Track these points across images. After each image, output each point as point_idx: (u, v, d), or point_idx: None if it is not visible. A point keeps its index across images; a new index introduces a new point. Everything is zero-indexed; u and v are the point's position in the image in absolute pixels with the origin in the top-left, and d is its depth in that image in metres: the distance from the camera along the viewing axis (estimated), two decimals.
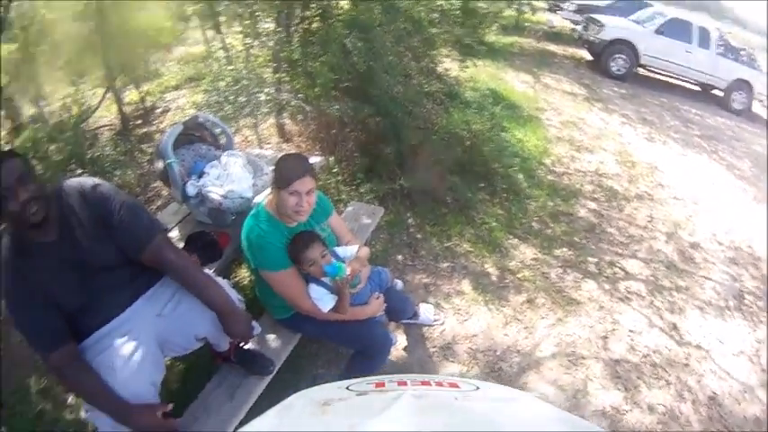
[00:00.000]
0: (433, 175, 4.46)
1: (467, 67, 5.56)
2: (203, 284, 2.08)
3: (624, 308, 3.70)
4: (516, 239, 4.23)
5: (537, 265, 3.99)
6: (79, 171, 4.55)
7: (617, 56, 9.75)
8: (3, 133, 6.09)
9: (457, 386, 1.23)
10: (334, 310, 2.42)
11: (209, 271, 2.68)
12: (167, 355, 2.21)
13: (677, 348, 3.45)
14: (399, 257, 3.88)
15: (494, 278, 3.78)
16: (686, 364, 3.34)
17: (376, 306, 2.62)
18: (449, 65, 5.78)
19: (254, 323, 2.32)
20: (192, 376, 2.94)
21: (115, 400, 1.87)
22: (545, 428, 1.06)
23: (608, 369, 3.19)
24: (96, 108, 6.73)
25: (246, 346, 2.62)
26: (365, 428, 0.95)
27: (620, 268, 4.11)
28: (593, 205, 4.86)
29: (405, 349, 3.19)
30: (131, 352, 1.96)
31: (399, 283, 3.53)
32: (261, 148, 4.71)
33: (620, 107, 7.76)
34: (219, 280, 2.25)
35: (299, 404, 1.25)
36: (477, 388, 1.26)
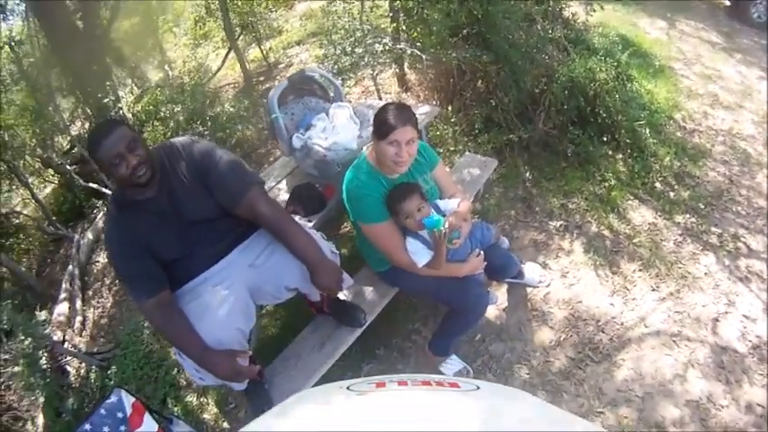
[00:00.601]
0: (554, 126, 4.31)
1: (594, 11, 5.16)
2: (294, 235, 2.16)
3: (742, 289, 3.45)
4: (636, 200, 4.06)
5: (655, 230, 3.83)
6: (200, 129, 4.77)
7: (758, 1, 8.70)
8: (130, 98, 6.50)
9: (457, 386, 1.23)
10: (430, 265, 2.42)
11: (309, 223, 2.75)
12: (259, 303, 2.35)
13: None
14: (512, 212, 3.87)
15: (608, 242, 3.69)
16: None
17: (475, 264, 2.60)
18: (575, 8, 5.38)
19: (345, 276, 2.35)
20: (289, 324, 3.12)
21: (197, 345, 2.02)
22: (546, 428, 1.07)
23: (713, 356, 3.01)
24: (219, 69, 7.06)
25: (341, 298, 2.71)
26: (365, 428, 0.96)
27: (744, 243, 3.83)
28: (722, 169, 4.51)
29: (504, 309, 3.21)
30: (222, 300, 2.10)
31: (505, 241, 3.51)
32: (380, 98, 4.70)
33: (761, 59, 6.97)
34: (312, 232, 2.32)
35: (299, 404, 1.28)
36: (478, 387, 1.26)
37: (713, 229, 3.90)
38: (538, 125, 4.27)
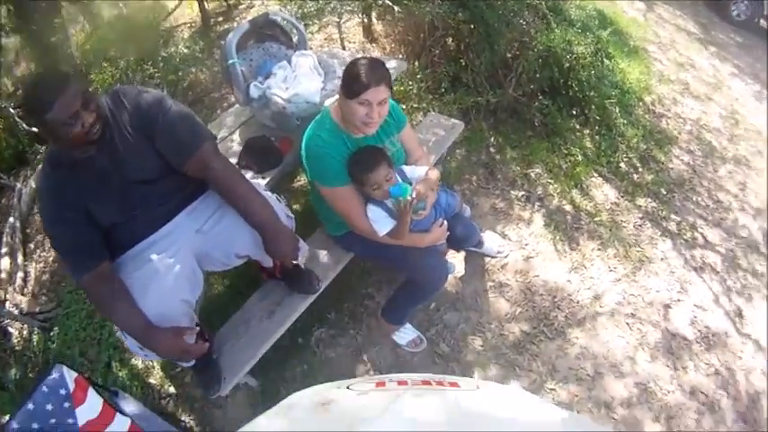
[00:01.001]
0: (523, 94, 4.13)
1: None
2: (247, 199, 1.95)
3: (695, 278, 3.44)
4: (600, 178, 3.95)
5: (617, 210, 3.74)
6: (152, 70, 4.47)
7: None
8: (80, 37, 5.97)
9: (457, 386, 1.22)
10: (392, 234, 2.23)
11: (262, 181, 2.56)
12: (207, 269, 2.13)
13: (736, 336, 3.21)
14: (473, 178, 3.69)
15: (569, 216, 3.57)
16: (740, 357, 3.12)
17: (438, 234, 2.42)
18: None
19: (302, 243, 2.18)
20: (236, 286, 2.92)
21: (140, 323, 1.81)
22: (546, 428, 1.05)
23: (663, 341, 3.02)
24: (176, 7, 6.56)
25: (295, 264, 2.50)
26: (365, 428, 0.94)
27: (700, 234, 3.81)
28: (687, 158, 4.46)
29: (461, 278, 3.08)
30: (167, 268, 1.90)
31: (468, 210, 3.33)
32: (344, 47, 4.39)
33: (734, 56, 6.99)
34: (267, 195, 2.10)
35: (299, 404, 1.25)
36: (478, 387, 1.26)
37: (673, 216, 3.85)
38: (507, 90, 4.07)
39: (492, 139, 3.99)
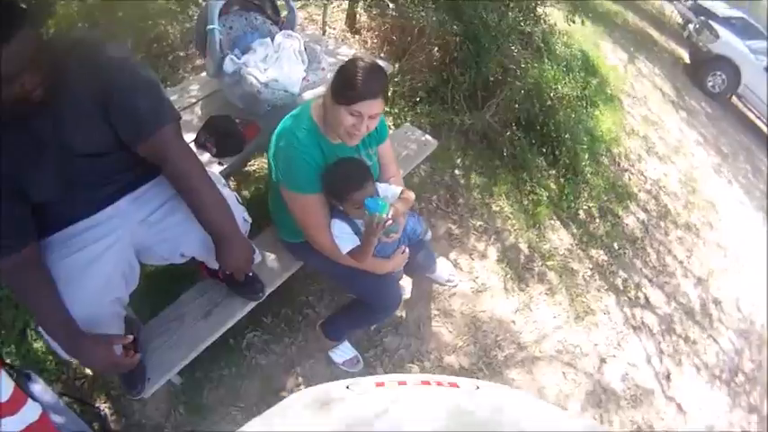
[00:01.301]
0: (498, 121, 4.05)
1: (573, 22, 4.87)
2: (204, 198, 1.69)
3: (632, 336, 3.49)
4: (559, 222, 3.92)
5: (569, 257, 3.71)
6: (119, 13, 3.91)
7: (718, 73, 9.02)
8: None
9: (457, 386, 1.20)
10: (354, 254, 2.03)
11: (219, 167, 2.33)
12: (146, 263, 1.87)
13: (661, 398, 3.28)
14: (434, 198, 3.56)
15: (522, 256, 3.51)
16: (662, 418, 3.19)
17: (398, 261, 2.23)
18: (551, 11, 5.11)
19: (256, 253, 1.96)
20: (170, 272, 2.60)
21: (65, 328, 1.56)
22: (545, 429, 1.04)
23: (593, 394, 3.04)
24: None
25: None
26: (364, 428, 0.93)
27: (644, 294, 3.86)
28: (642, 216, 4.53)
29: (406, 302, 2.95)
30: (101, 261, 1.64)
31: (429, 235, 3.19)
32: (324, 32, 4.18)
33: (702, 125, 7.20)
34: (227, 194, 1.83)
35: (298, 404, 1.23)
36: (478, 388, 1.24)
37: (621, 272, 3.89)
38: (485, 115, 3.99)
39: (459, 161, 3.89)
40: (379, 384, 1.18)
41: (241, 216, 1.92)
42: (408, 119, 3.82)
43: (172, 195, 1.75)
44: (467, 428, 0.97)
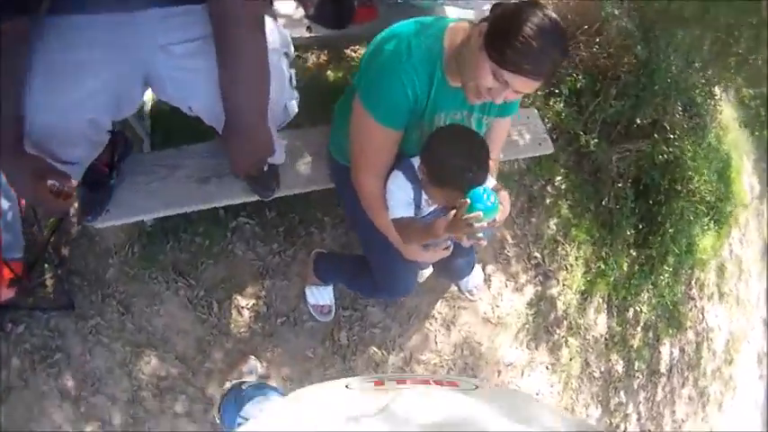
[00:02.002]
0: (620, 168, 3.54)
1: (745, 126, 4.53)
2: (239, 72, 1.31)
3: None
4: (606, 305, 3.44)
5: (591, 347, 3.27)
6: None
7: None
8: None
9: (456, 385, 1.09)
10: (399, 225, 1.58)
11: (304, 33, 2.06)
12: (156, 96, 1.55)
13: None
14: (510, 199, 3.06)
15: (552, 316, 3.06)
16: None
17: (435, 256, 1.79)
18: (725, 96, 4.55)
19: (277, 153, 1.66)
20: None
21: (10, 128, 1.24)
22: (544, 428, 0.91)
23: None
24: None
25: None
26: (363, 428, 0.80)
27: (624, 427, 3.49)
28: (676, 355, 4.06)
29: (413, 296, 2.57)
30: (91, 72, 1.32)
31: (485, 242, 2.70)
32: None
33: None
34: (282, 67, 1.47)
35: (297, 404, 1.14)
36: (476, 387, 1.12)
37: (621, 394, 3.50)
38: (612, 152, 3.45)
39: (558, 179, 3.35)
40: (379, 383, 1.10)
41: (284, 102, 1.53)
42: (537, 104, 3.26)
43: (207, 35, 1.33)
44: (466, 428, 0.85)
